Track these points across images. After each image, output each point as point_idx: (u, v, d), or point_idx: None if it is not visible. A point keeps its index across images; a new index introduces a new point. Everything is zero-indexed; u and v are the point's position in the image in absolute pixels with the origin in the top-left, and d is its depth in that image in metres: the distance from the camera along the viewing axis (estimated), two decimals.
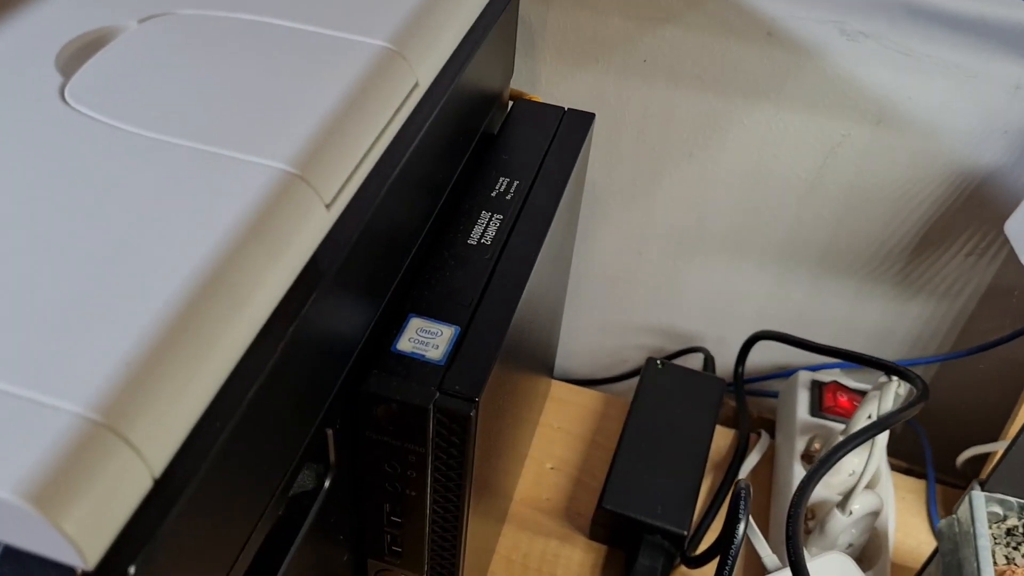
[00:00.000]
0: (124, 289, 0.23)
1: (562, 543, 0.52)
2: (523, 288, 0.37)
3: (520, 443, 0.51)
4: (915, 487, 0.56)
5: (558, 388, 0.60)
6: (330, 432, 0.32)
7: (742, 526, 0.38)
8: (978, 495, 0.41)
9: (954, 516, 0.42)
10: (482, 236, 0.39)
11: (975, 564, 0.38)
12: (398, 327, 0.34)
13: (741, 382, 0.60)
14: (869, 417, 0.48)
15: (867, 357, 0.51)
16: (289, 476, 0.29)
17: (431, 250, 0.38)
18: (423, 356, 0.34)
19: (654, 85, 0.54)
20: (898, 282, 0.59)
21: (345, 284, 0.29)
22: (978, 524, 0.39)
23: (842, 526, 0.46)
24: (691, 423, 0.54)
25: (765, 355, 0.64)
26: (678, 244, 0.61)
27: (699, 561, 0.48)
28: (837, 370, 0.59)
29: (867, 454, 0.49)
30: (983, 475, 0.52)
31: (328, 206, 0.28)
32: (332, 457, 0.33)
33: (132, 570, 0.20)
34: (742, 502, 0.38)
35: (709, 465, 0.56)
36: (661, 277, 0.63)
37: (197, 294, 0.23)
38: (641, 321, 0.66)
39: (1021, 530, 0.40)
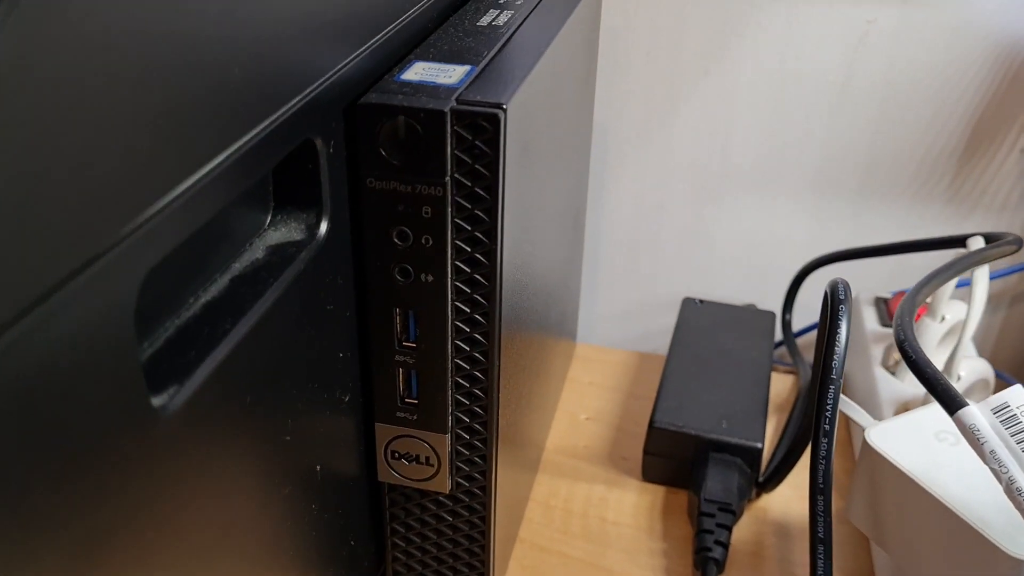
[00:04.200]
0: None
1: (610, 487, 0.43)
2: (544, 51, 0.31)
3: (546, 393, 0.43)
4: None
5: (584, 348, 0.53)
6: (319, 143, 0.25)
7: (844, 327, 0.30)
8: None
9: None
10: (494, 20, 0.33)
11: None
12: (400, 68, 0.28)
13: (790, 330, 0.53)
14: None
15: (938, 239, 0.44)
16: (264, 143, 0.22)
17: (434, 30, 0.32)
18: (434, 82, 0.27)
19: None
20: (950, 198, 0.53)
21: None
22: None
23: None
24: (745, 347, 0.47)
25: (809, 317, 0.57)
26: (702, 187, 0.55)
27: (779, 472, 0.39)
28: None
29: (955, 343, 0.41)
30: None
31: None
32: (325, 193, 0.26)
33: None
34: (840, 292, 0.30)
35: (771, 407, 0.48)
36: (687, 233, 0.57)
37: None
38: (668, 293, 0.59)
39: None
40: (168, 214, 0.18)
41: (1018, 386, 0.28)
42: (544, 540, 0.40)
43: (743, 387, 0.44)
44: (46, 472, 0.16)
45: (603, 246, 0.58)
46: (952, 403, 0.28)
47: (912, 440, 0.33)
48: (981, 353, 0.56)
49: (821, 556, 0.30)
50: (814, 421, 0.30)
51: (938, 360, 0.42)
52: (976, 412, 0.28)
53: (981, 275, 0.38)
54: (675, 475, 0.42)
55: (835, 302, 0.30)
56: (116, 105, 0.16)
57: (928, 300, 0.44)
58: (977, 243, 0.40)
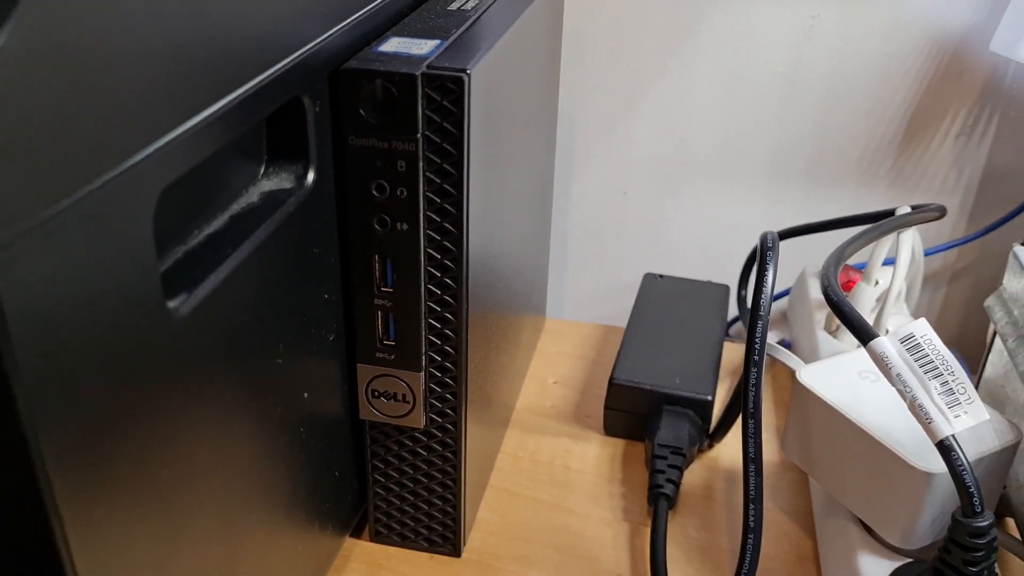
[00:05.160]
0: None
1: (574, 440, 0.47)
2: (507, 29, 0.35)
3: (515, 358, 0.47)
4: None
5: (553, 323, 0.56)
6: (307, 101, 0.29)
7: (771, 270, 0.34)
8: (1019, 248, 0.37)
9: (1001, 287, 0.39)
10: (462, 6, 0.37)
11: None
12: (378, 42, 0.32)
13: (745, 305, 0.57)
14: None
15: (874, 213, 0.48)
16: (255, 98, 0.26)
17: (409, 14, 0.36)
18: (408, 52, 0.31)
19: None
20: (891, 182, 0.57)
21: None
22: None
23: None
24: (700, 316, 0.50)
25: None
26: (663, 175, 0.59)
27: (726, 421, 0.43)
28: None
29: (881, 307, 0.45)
30: None
31: None
32: (312, 148, 0.29)
33: None
34: (768, 241, 0.34)
35: (722, 374, 0.52)
36: (649, 219, 0.61)
37: None
38: (632, 274, 0.63)
39: None
40: (178, 143, 0.22)
41: (922, 319, 0.32)
42: (513, 486, 0.43)
43: (697, 350, 0.47)
44: (77, 354, 0.19)
45: (571, 231, 0.62)
46: (865, 335, 0.32)
47: (838, 378, 0.36)
48: None
49: (752, 473, 0.34)
50: (746, 352, 0.34)
51: (870, 319, 0.46)
52: (886, 342, 0.31)
53: (906, 238, 0.42)
54: (634, 429, 0.46)
55: (763, 250, 0.34)
56: (136, 51, 0.20)
57: (866, 271, 0.48)
58: (904, 211, 0.44)
